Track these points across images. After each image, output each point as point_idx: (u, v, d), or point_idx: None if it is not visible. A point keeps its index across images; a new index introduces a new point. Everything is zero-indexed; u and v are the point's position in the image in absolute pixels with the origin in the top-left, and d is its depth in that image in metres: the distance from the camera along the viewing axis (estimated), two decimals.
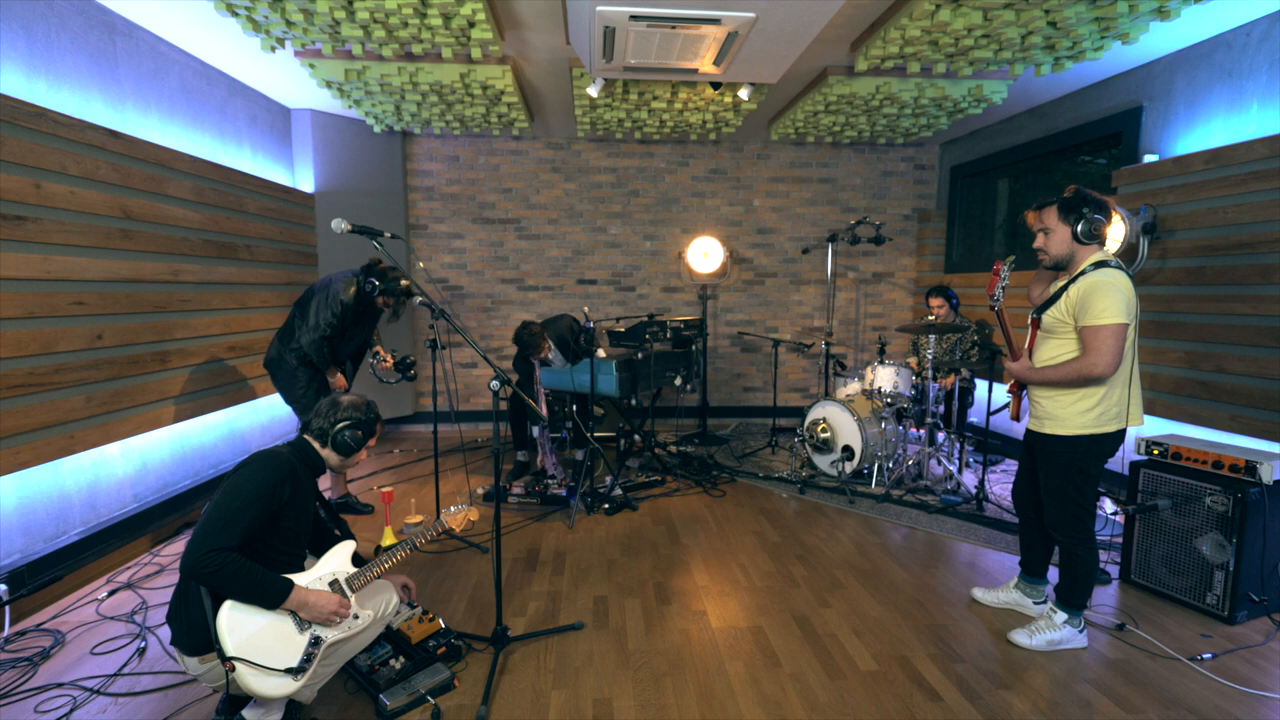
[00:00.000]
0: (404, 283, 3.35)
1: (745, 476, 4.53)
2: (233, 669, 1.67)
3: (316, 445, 2.05)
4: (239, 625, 1.72)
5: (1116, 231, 3.55)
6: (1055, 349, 2.33)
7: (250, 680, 1.70)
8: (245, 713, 1.84)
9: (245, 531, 1.73)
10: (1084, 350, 2.22)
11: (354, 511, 3.75)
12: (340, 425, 2.04)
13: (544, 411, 4.10)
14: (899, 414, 4.34)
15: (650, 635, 2.48)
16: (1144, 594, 2.82)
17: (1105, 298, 2.15)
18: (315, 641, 1.82)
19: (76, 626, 2.52)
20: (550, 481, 3.99)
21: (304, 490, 1.95)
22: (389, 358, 3.62)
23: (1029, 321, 2.44)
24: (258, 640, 1.73)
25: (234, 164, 4.11)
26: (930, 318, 4.72)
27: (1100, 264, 2.23)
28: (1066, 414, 2.29)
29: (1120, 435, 2.30)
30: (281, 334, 3.44)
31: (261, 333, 4.19)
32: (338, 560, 1.98)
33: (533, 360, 4.22)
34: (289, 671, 1.76)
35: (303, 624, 1.82)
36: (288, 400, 3.47)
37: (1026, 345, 2.45)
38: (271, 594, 1.76)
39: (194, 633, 1.73)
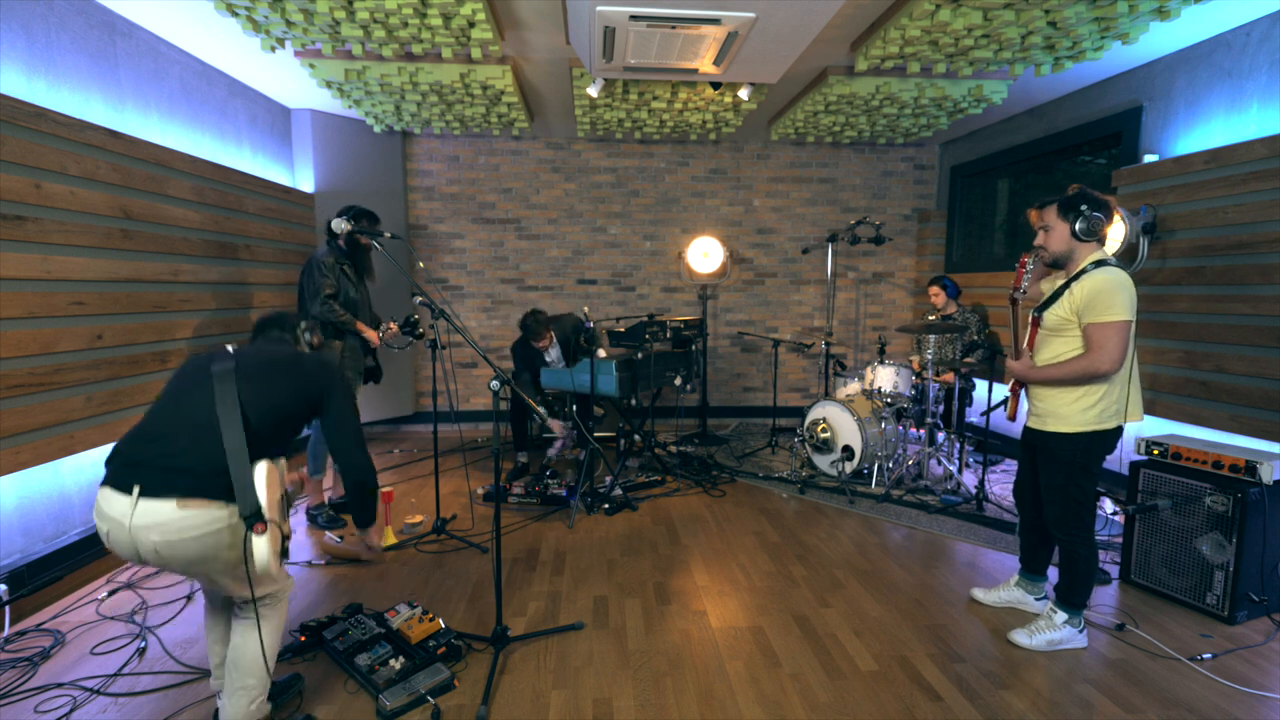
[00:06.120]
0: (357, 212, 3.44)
1: (745, 476, 4.52)
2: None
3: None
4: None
5: (1116, 231, 3.55)
6: (1058, 347, 2.33)
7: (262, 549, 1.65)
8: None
9: None
10: (1089, 348, 2.23)
11: None
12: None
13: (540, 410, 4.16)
14: (899, 414, 4.34)
15: (650, 635, 2.48)
16: (1144, 594, 2.82)
17: (1110, 295, 2.17)
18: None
19: (76, 626, 2.51)
20: (552, 475, 4.00)
21: None
22: (393, 325, 3.65)
23: (1029, 320, 2.45)
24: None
25: (234, 164, 4.11)
26: (932, 317, 4.73)
27: (1100, 263, 2.26)
28: (1068, 411, 2.30)
29: (1119, 432, 2.31)
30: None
31: None
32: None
33: (534, 345, 4.30)
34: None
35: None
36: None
37: (1026, 344, 2.46)
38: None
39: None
